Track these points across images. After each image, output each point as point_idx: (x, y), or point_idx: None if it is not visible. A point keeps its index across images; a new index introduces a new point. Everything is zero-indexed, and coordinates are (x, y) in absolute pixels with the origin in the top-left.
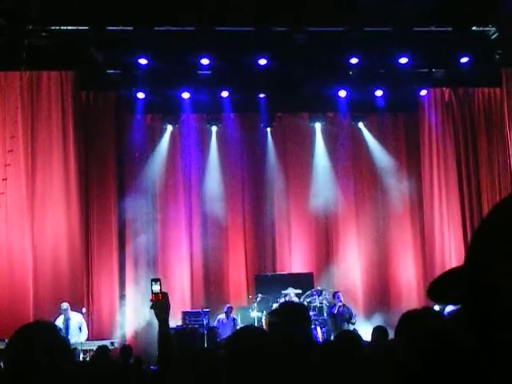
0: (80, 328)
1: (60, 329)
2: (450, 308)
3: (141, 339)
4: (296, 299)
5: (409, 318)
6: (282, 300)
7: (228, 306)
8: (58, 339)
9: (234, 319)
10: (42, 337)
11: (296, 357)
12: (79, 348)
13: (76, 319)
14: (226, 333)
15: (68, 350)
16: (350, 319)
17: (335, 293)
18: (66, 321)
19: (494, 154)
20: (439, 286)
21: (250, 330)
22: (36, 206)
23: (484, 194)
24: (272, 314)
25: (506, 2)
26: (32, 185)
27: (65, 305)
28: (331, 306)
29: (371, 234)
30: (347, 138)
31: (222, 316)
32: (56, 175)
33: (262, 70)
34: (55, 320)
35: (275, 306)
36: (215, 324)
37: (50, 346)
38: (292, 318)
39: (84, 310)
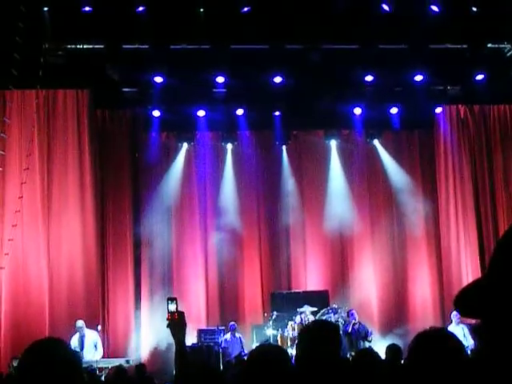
0: (95, 345)
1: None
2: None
3: (157, 357)
4: (312, 317)
5: (424, 338)
6: (298, 318)
7: (232, 323)
8: (71, 355)
9: (240, 339)
10: (54, 352)
11: (320, 376)
12: (94, 366)
13: (91, 337)
14: (233, 352)
15: (80, 367)
16: (366, 337)
17: (349, 311)
18: (81, 338)
19: (509, 170)
20: (466, 299)
21: (267, 348)
22: (52, 224)
23: (500, 210)
24: (303, 331)
25: None
26: (48, 203)
27: (80, 322)
28: (346, 325)
29: (386, 251)
30: (362, 156)
31: (227, 336)
32: (72, 193)
33: (277, 88)
34: (71, 338)
35: (291, 323)
36: (222, 345)
37: (62, 361)
38: (322, 336)
39: (99, 327)
